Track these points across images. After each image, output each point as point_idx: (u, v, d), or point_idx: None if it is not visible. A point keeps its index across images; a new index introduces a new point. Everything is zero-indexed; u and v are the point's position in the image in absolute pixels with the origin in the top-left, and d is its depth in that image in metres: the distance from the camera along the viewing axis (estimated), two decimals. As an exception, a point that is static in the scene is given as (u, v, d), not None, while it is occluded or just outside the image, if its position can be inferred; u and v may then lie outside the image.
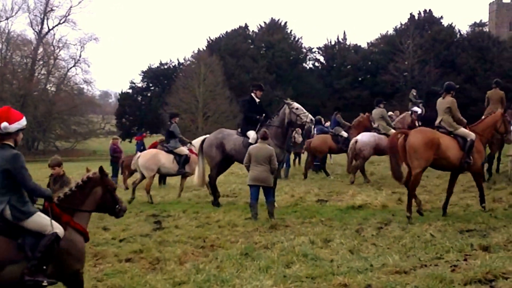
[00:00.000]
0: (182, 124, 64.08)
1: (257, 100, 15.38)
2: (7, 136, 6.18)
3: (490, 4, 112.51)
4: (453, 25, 76.17)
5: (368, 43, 79.60)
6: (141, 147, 23.87)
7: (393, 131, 17.84)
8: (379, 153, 18.99)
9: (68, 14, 74.44)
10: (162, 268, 8.91)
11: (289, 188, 17.95)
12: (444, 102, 12.65)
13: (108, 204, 6.86)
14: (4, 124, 6.11)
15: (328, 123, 22.83)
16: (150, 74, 76.12)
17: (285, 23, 77.90)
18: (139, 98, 76.53)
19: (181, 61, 76.04)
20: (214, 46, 73.20)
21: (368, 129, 20.14)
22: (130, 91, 76.55)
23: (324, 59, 77.60)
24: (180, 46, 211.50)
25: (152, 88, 77.15)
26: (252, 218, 12.83)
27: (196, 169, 16.14)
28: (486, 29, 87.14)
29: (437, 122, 12.77)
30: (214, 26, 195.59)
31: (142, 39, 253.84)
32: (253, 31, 78.06)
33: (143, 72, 76.68)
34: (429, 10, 77.89)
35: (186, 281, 8.11)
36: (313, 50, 78.26)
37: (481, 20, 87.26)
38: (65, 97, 72.25)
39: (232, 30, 77.26)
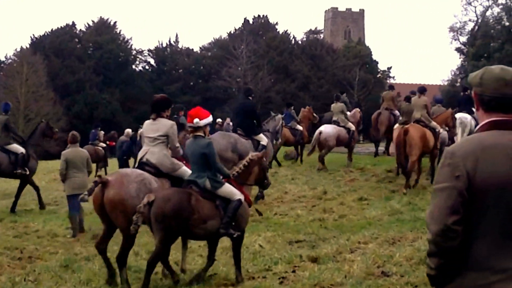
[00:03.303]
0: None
1: None
2: (199, 129, 7.99)
3: (325, 11, 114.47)
4: (289, 32, 77.97)
5: (200, 47, 79.63)
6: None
7: (350, 124, 21.02)
8: (339, 143, 20.92)
9: None
10: (-27, 282, 8.19)
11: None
12: (420, 101, 16.56)
13: (261, 179, 8.81)
14: (197, 119, 7.95)
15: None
16: (-33, 72, 71.31)
17: (115, 22, 75.97)
18: (-46, 98, 71.37)
19: (2, 59, 71.75)
20: (38, 44, 69.72)
21: (312, 121, 23.83)
22: None
23: (155, 62, 76.66)
24: (0, 43, 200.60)
25: (-31, 87, 72.31)
26: (74, 232, 12.20)
27: None
28: (321, 36, 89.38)
29: (416, 117, 16.28)
30: (38, 23, 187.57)
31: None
32: (80, 30, 75.21)
33: (-42, 70, 71.68)
34: (265, 15, 79.48)
35: (0, 296, 7.53)
36: (144, 52, 77.28)
37: (316, 28, 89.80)
38: None
39: (58, 28, 73.96)
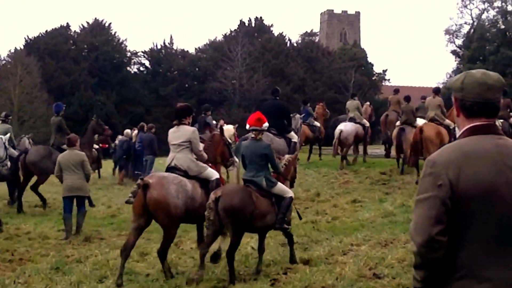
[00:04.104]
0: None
1: None
2: (262, 132, 8.96)
3: (321, 14, 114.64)
4: (284, 34, 77.66)
5: (196, 49, 79.17)
6: None
7: (364, 120, 21.82)
8: (356, 140, 21.40)
9: None
10: (-36, 285, 8.14)
11: (106, 198, 17.31)
12: (435, 101, 17.62)
13: (294, 178, 10.04)
14: (266, 123, 8.97)
15: (153, 130, 22.73)
16: (-40, 74, 70.85)
17: (110, 24, 75.63)
18: None
19: (-4, 60, 71.55)
20: (33, 45, 69.34)
21: (325, 116, 25.02)
22: None
23: (150, 64, 76.25)
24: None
25: (-37, 88, 71.92)
26: (66, 235, 12.11)
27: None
28: (317, 39, 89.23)
29: (431, 115, 17.34)
30: (32, 24, 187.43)
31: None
32: (75, 31, 74.82)
33: (-47, 71, 71.24)
34: (260, 17, 79.22)
35: (-12, 299, 7.47)
36: (138, 54, 76.93)
37: (312, 30, 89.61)
38: None
39: (52, 29, 73.53)
